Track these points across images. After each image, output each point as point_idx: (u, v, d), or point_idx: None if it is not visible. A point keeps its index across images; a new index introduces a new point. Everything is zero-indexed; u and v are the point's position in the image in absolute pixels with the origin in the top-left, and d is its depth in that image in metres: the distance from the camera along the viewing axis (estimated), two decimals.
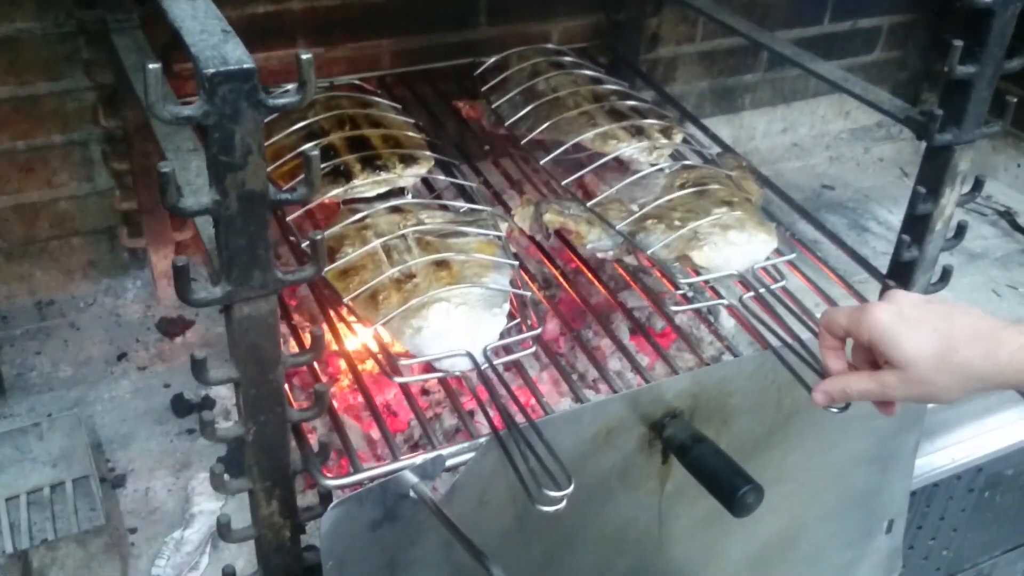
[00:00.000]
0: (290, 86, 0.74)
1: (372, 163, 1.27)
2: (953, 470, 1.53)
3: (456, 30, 1.78)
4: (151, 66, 0.69)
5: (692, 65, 2.04)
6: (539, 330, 1.11)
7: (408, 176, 1.28)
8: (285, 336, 1.10)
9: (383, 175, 1.26)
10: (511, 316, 1.12)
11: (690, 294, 1.30)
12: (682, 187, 1.34)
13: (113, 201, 1.58)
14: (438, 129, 1.57)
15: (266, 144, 1.34)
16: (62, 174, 1.55)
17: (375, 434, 1.31)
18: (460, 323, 1.08)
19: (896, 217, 2.14)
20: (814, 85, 2.23)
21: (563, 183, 1.34)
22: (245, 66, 0.71)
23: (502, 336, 1.10)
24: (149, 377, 1.54)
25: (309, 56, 0.72)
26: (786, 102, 2.24)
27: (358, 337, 1.22)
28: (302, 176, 0.77)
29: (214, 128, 0.72)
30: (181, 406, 1.46)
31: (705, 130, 1.61)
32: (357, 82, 1.58)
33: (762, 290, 1.19)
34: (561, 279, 1.30)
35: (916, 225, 1.27)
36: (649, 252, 1.22)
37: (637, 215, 1.27)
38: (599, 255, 1.27)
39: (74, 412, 1.32)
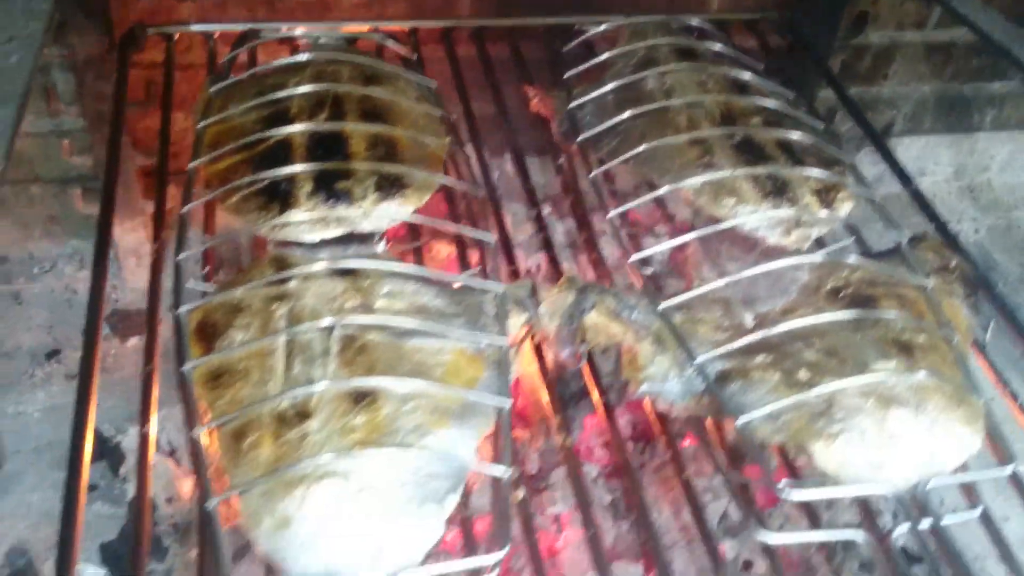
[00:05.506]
0: None
1: (329, 186, 0.80)
2: None
3: None
4: None
5: (916, 60, 1.42)
6: (502, 554, 0.63)
7: (378, 218, 0.79)
8: None
9: (338, 209, 0.78)
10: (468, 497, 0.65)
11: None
12: (835, 296, 0.80)
13: (62, 151, 1.19)
14: (493, 128, 1.06)
15: (210, 121, 0.92)
16: None
17: None
18: (355, 524, 0.61)
19: None
20: None
21: (631, 259, 0.82)
22: None
23: (434, 555, 0.62)
24: (73, 392, 1.16)
25: None
26: None
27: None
28: None
29: None
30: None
31: (918, 198, 1.01)
32: (381, 36, 1.09)
33: (925, 525, 0.66)
34: (604, 415, 0.79)
35: None
36: (739, 424, 0.69)
37: (740, 343, 0.74)
38: (658, 405, 0.75)
39: None
